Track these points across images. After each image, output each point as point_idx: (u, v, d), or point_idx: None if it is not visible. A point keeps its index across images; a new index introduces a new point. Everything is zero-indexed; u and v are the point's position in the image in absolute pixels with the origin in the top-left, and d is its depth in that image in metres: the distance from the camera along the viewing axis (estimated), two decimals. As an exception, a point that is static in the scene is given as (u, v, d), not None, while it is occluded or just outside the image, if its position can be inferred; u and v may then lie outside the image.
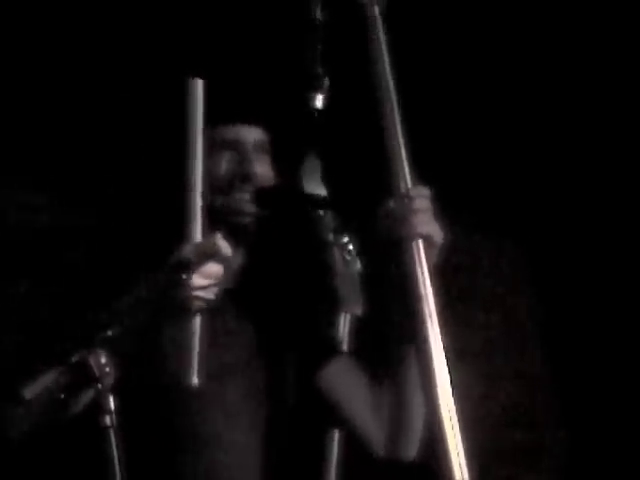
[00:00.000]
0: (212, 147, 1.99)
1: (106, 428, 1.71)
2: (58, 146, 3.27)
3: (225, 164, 2.01)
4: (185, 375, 1.81)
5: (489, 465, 3.92)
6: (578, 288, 4.17)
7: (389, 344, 2.00)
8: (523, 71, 3.71)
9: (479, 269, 4.19)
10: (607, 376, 4.10)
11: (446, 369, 1.78)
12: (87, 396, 1.77)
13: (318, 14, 2.00)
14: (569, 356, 4.18)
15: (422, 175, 1.95)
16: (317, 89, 1.99)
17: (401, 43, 1.94)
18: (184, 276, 1.80)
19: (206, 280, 1.81)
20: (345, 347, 2.10)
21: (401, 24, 1.98)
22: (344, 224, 1.99)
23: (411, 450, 2.07)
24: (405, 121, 1.94)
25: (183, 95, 1.91)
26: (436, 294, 1.82)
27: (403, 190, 1.88)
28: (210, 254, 1.81)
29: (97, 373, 1.73)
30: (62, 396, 1.77)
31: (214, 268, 1.82)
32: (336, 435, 2.38)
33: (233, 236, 2.01)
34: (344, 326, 2.06)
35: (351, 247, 1.97)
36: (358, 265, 1.98)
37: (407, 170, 1.89)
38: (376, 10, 1.94)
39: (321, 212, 1.97)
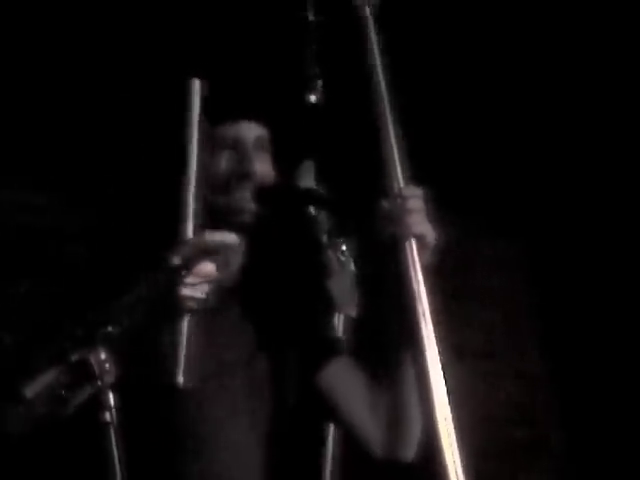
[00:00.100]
0: (212, 145, 2.00)
1: (106, 425, 1.72)
2: (58, 146, 3.27)
3: (225, 162, 2.01)
4: (172, 375, 1.82)
5: (489, 464, 3.93)
6: (577, 288, 4.17)
7: (386, 346, 2.00)
8: (520, 68, 3.72)
9: (479, 269, 4.19)
10: (606, 375, 4.11)
11: (440, 369, 1.78)
12: (83, 393, 1.77)
13: (312, 15, 2.01)
14: (568, 356, 4.18)
15: (421, 175, 1.95)
16: (311, 90, 2.00)
17: (396, 43, 1.95)
18: (184, 274, 1.80)
19: (197, 279, 1.81)
20: (341, 347, 2.12)
21: (395, 24, 1.98)
22: (338, 225, 2.00)
23: (409, 451, 2.06)
24: (404, 121, 1.95)
25: (182, 95, 1.92)
26: (430, 293, 1.82)
27: (396, 190, 1.88)
28: (205, 251, 1.82)
29: (97, 371, 1.73)
30: (63, 394, 1.77)
31: (207, 267, 1.82)
32: (332, 432, 2.38)
33: (233, 233, 2.02)
34: (339, 327, 2.07)
35: (345, 248, 1.98)
36: (352, 266, 1.98)
37: (400, 170, 1.90)
38: (369, 11, 1.95)
39: (315, 213, 1.97)
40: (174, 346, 1.85)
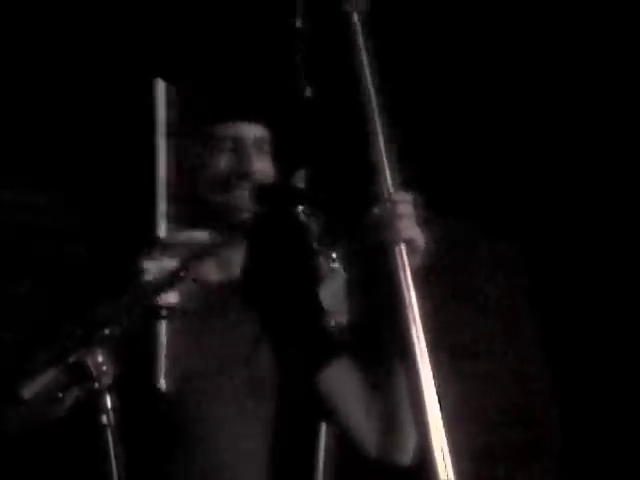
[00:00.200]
0: (212, 144, 2.01)
1: (103, 427, 1.72)
2: (58, 146, 3.27)
3: (224, 161, 2.02)
4: (154, 379, 1.82)
5: (487, 464, 3.93)
6: (576, 289, 4.17)
7: (377, 352, 2.00)
8: (514, 70, 3.72)
9: (478, 270, 4.19)
10: (605, 376, 4.10)
11: (431, 373, 1.78)
12: (71, 395, 1.77)
13: (300, 22, 2.02)
14: (567, 357, 4.18)
15: (419, 178, 1.96)
16: (301, 95, 2.01)
17: (385, 48, 1.95)
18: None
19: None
20: (340, 348, 2.12)
21: (385, 29, 1.98)
22: (329, 232, 2.01)
23: (404, 454, 2.05)
24: (401, 125, 1.95)
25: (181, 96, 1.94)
26: (420, 298, 1.82)
27: (386, 195, 1.89)
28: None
29: (94, 372, 1.73)
30: (60, 395, 1.78)
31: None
32: (324, 431, 2.38)
33: (232, 232, 2.03)
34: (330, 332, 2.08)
35: (335, 255, 1.99)
36: (342, 273, 1.99)
37: (390, 176, 1.90)
38: (357, 17, 1.95)
39: (306, 220, 1.98)
40: (154, 351, 1.85)
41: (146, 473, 1.91)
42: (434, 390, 1.77)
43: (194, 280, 1.97)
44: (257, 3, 3.02)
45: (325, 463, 2.32)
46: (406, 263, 1.84)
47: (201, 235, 1.88)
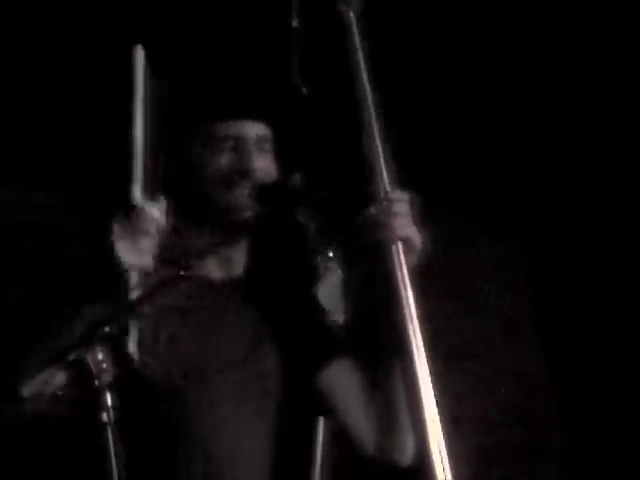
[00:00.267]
0: (214, 144, 2.02)
1: (104, 425, 1.72)
2: (59, 145, 3.27)
3: (226, 160, 2.03)
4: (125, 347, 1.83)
5: (487, 464, 3.93)
6: (576, 289, 4.17)
7: (375, 352, 2.00)
8: (516, 70, 3.72)
9: (477, 269, 4.20)
10: (605, 376, 4.11)
11: (428, 372, 1.78)
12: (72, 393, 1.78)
13: (295, 22, 2.02)
14: (567, 357, 4.18)
15: (419, 177, 1.96)
16: (297, 95, 2.01)
17: (381, 47, 1.95)
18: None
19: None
20: (341, 347, 2.11)
21: (380, 28, 1.99)
22: (325, 231, 2.01)
23: (403, 455, 2.04)
24: (401, 124, 1.96)
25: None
26: (417, 296, 1.83)
27: (382, 194, 1.89)
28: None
29: (94, 370, 1.74)
30: (60, 393, 1.78)
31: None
32: (321, 429, 2.38)
33: (233, 231, 2.03)
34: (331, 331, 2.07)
35: (332, 254, 1.99)
36: (339, 272, 1.99)
37: (386, 175, 1.90)
38: (352, 16, 1.96)
39: (303, 219, 1.99)
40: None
41: (146, 471, 1.91)
42: (431, 389, 1.77)
43: (196, 278, 1.98)
44: (253, 2, 3.04)
45: (322, 458, 2.31)
46: (403, 262, 1.84)
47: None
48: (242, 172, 2.02)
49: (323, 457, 2.31)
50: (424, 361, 1.78)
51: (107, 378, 1.75)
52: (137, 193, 1.91)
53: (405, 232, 1.88)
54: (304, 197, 2.03)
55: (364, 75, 1.93)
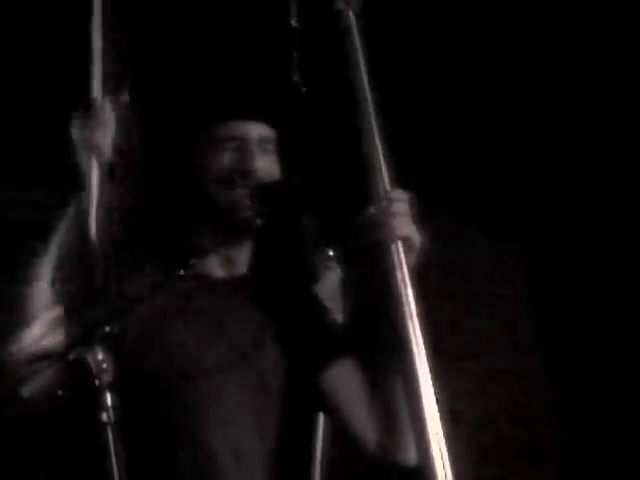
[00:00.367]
0: (216, 144, 2.03)
1: (104, 424, 1.72)
2: (59, 145, 3.26)
3: (227, 159, 2.04)
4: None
5: (486, 462, 3.93)
6: (576, 288, 4.17)
7: (376, 351, 2.00)
8: (518, 67, 3.72)
9: (478, 269, 4.20)
10: (605, 376, 4.11)
11: (428, 371, 1.78)
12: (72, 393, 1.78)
13: (294, 21, 2.02)
14: (567, 356, 4.19)
15: (420, 176, 1.96)
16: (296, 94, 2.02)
17: (380, 47, 1.95)
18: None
19: None
20: (343, 345, 2.11)
21: (380, 27, 1.99)
22: (325, 231, 2.01)
23: (406, 455, 2.04)
24: (402, 123, 1.95)
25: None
26: (416, 295, 1.83)
27: (382, 194, 1.89)
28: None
29: (94, 370, 1.73)
30: (60, 393, 1.77)
31: None
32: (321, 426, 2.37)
33: (235, 230, 2.03)
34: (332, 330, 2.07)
35: (331, 254, 1.99)
36: (339, 272, 1.99)
37: (386, 174, 1.90)
38: (352, 16, 1.96)
39: (305, 218, 1.99)
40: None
41: (146, 471, 1.91)
42: (432, 388, 1.77)
43: (197, 277, 1.98)
44: (253, 2, 3.03)
45: (322, 456, 2.31)
46: (403, 261, 1.84)
47: None
48: (243, 172, 2.02)
49: (323, 455, 2.31)
50: (424, 360, 1.78)
51: (107, 378, 1.75)
52: (96, 88, 2.00)
53: (405, 231, 1.88)
54: (305, 197, 2.03)
55: (364, 75, 1.93)
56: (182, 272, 1.93)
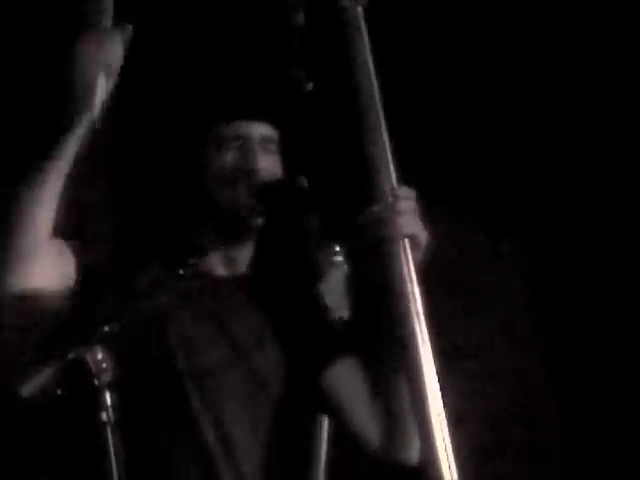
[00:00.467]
0: (219, 143, 2.03)
1: (103, 424, 1.72)
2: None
3: (230, 159, 2.04)
4: None
5: (487, 464, 3.92)
6: (576, 287, 4.17)
7: (380, 349, 2.00)
8: (518, 67, 3.72)
9: (476, 267, 4.19)
10: (605, 375, 4.10)
11: (434, 369, 1.78)
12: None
13: (300, 18, 2.02)
14: (567, 355, 4.18)
15: (419, 174, 1.96)
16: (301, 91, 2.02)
17: (386, 44, 1.95)
18: None
19: None
20: (345, 345, 2.11)
21: (385, 24, 1.98)
22: (330, 228, 2.01)
23: (409, 453, 2.04)
24: (402, 121, 1.95)
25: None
26: (422, 293, 1.83)
27: (388, 192, 1.89)
28: None
29: (94, 369, 1.73)
30: (59, 393, 1.77)
31: None
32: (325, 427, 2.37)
33: (237, 229, 2.03)
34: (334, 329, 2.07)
35: (337, 251, 1.99)
36: (344, 269, 1.99)
37: (392, 172, 1.90)
38: (358, 12, 1.96)
39: (307, 216, 1.99)
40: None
41: (146, 471, 1.91)
42: (437, 387, 1.77)
43: (199, 276, 1.98)
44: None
45: (326, 454, 2.31)
46: (410, 258, 1.84)
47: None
48: (246, 171, 2.02)
49: (327, 455, 2.31)
50: (430, 358, 1.78)
51: (106, 378, 1.75)
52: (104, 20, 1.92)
53: (411, 229, 1.89)
54: (307, 197, 2.03)
55: (370, 71, 1.93)
56: (183, 271, 1.93)
